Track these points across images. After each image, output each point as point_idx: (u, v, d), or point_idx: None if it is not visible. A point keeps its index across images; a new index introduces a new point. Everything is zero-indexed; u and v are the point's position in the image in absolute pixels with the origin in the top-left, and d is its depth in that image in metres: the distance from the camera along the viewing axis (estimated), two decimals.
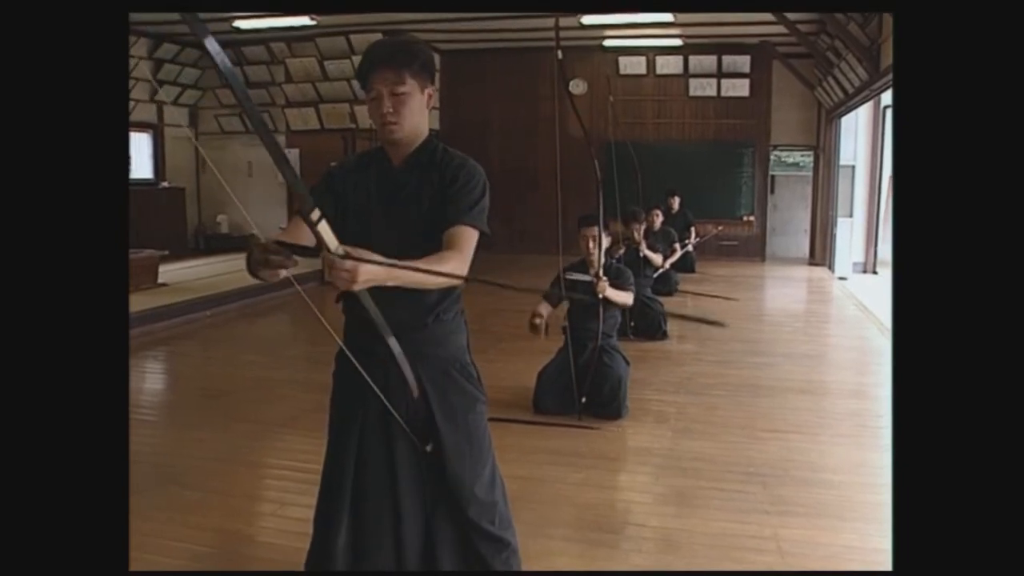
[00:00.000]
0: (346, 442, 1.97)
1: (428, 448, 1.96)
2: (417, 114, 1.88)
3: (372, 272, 1.48)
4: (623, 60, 11.72)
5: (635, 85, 11.84)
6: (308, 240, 1.61)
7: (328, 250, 1.44)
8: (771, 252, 11.94)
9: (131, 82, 10.52)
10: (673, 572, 2.59)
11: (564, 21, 8.71)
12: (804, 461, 3.55)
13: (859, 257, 11.04)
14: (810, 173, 11.67)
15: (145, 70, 10.75)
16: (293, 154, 11.59)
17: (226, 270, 8.99)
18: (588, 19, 9.47)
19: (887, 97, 9.48)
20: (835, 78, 9.04)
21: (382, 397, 1.88)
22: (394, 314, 1.80)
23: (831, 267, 10.61)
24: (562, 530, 2.88)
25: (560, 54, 4.24)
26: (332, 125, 11.20)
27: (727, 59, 11.42)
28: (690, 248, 9.51)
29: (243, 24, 9.86)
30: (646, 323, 6.19)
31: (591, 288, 4.13)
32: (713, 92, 11.60)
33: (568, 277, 4.29)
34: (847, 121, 10.46)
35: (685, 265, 9.30)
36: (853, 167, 10.71)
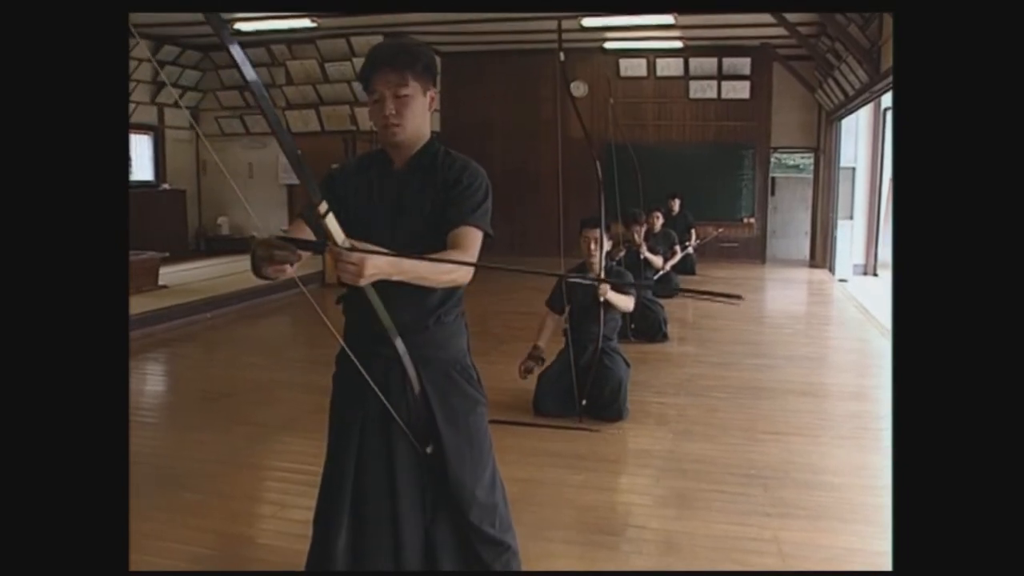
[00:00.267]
0: (346, 444, 1.97)
1: (428, 450, 1.96)
2: (419, 116, 1.88)
3: (378, 265, 1.48)
4: (623, 62, 11.72)
5: (635, 87, 11.83)
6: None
7: (335, 243, 1.44)
8: (771, 254, 11.93)
9: (132, 84, 10.52)
10: (673, 572, 2.59)
11: (565, 23, 8.72)
12: (805, 463, 3.55)
13: (859, 259, 11.04)
14: (811, 175, 11.66)
15: (146, 72, 10.77)
16: None
17: (227, 272, 9.00)
18: (589, 21, 9.47)
19: (887, 99, 9.47)
20: (835, 80, 9.04)
21: (382, 398, 1.88)
22: (395, 316, 1.80)
23: (831, 269, 10.61)
24: (562, 532, 2.88)
25: (562, 56, 4.25)
26: (333, 127, 11.20)
27: (727, 61, 11.41)
28: (690, 250, 9.50)
29: (244, 26, 9.86)
30: (646, 325, 6.19)
31: (592, 291, 4.14)
32: (713, 94, 11.60)
33: (570, 280, 4.28)
34: (847, 123, 10.46)
35: (685, 267, 9.30)
36: (853, 169, 10.71)
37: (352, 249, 1.45)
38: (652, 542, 2.82)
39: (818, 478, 3.38)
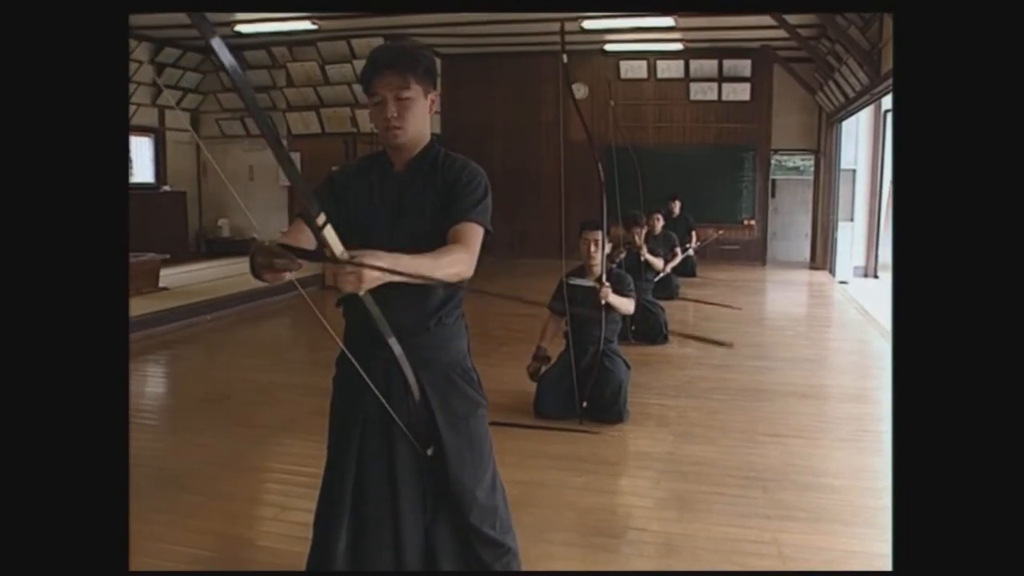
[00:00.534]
0: (346, 446, 1.97)
1: (429, 452, 1.96)
2: (420, 119, 1.89)
3: (376, 273, 1.48)
4: (624, 64, 11.74)
5: (636, 89, 11.85)
6: (310, 243, 1.61)
7: (333, 254, 1.44)
8: (772, 256, 11.93)
9: (133, 86, 10.54)
10: (674, 573, 2.59)
11: (566, 25, 8.73)
12: (805, 465, 3.55)
13: (860, 261, 11.04)
14: (811, 177, 11.67)
15: (147, 74, 10.78)
16: (294, 158, 11.61)
17: (227, 274, 9.00)
18: (589, 23, 9.49)
19: (888, 101, 9.48)
20: (836, 82, 9.04)
21: (383, 400, 1.88)
22: (396, 318, 1.80)
23: (832, 271, 10.61)
24: (563, 534, 2.88)
25: (565, 58, 4.25)
26: (333, 129, 11.22)
27: (728, 63, 11.42)
28: (691, 252, 9.50)
29: (244, 28, 9.88)
30: (647, 327, 6.19)
31: (593, 294, 4.14)
32: (714, 96, 11.61)
33: (570, 283, 4.28)
34: (848, 125, 10.46)
35: (686, 269, 9.30)
36: (854, 171, 10.71)
37: (350, 261, 1.44)
38: (652, 544, 2.82)
39: (818, 480, 3.37)
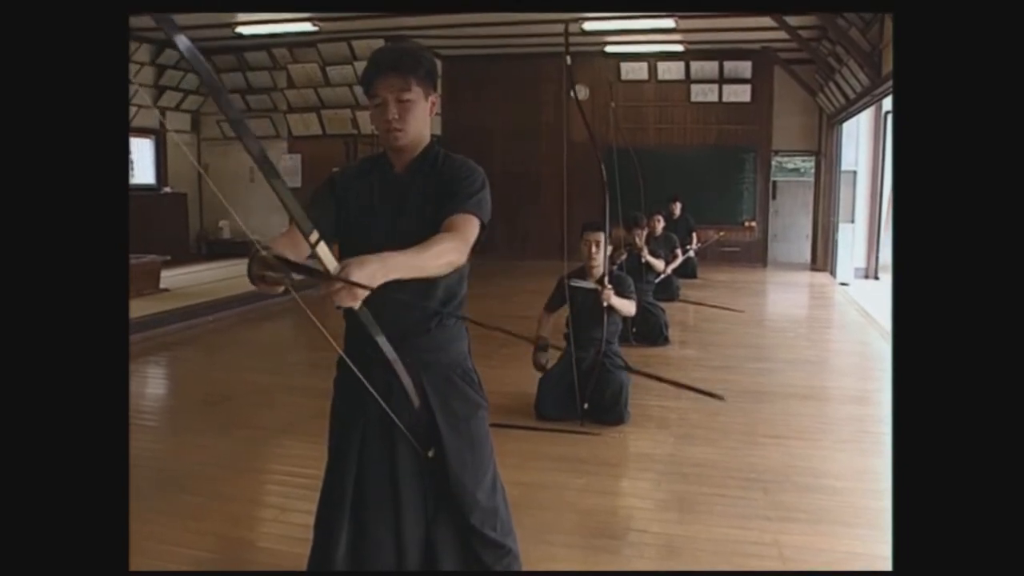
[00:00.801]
0: (347, 448, 1.97)
1: (430, 454, 1.96)
2: (421, 121, 1.89)
3: (372, 275, 1.46)
4: (625, 66, 11.75)
5: (637, 91, 11.85)
6: (306, 247, 1.61)
7: (327, 271, 1.43)
8: (773, 257, 11.93)
9: (133, 88, 10.54)
10: (675, 573, 2.59)
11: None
12: (806, 467, 3.54)
13: (861, 262, 11.04)
14: (812, 179, 11.67)
15: (148, 76, 10.79)
16: (295, 159, 11.62)
17: (228, 275, 9.01)
18: (590, 25, 9.50)
19: (889, 103, 9.48)
20: (836, 84, 9.05)
21: (383, 404, 1.87)
22: (398, 319, 1.80)
23: (833, 272, 10.61)
24: (564, 536, 2.88)
25: (569, 59, 4.25)
26: (334, 131, 11.23)
27: (728, 65, 11.43)
28: (692, 254, 9.51)
29: (245, 30, 9.89)
30: (648, 329, 6.19)
31: (595, 296, 4.13)
32: (715, 98, 11.62)
33: (571, 285, 4.27)
34: (849, 127, 10.47)
35: (687, 271, 9.30)
36: (855, 172, 10.72)
37: (342, 279, 1.43)
38: (653, 546, 2.81)
39: (819, 482, 3.37)
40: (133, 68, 10.35)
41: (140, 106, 10.81)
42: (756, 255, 11.81)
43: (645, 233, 7.05)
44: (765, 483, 3.35)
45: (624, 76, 11.79)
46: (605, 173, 4.31)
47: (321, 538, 1.99)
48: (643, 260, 6.78)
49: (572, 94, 4.57)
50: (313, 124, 11.46)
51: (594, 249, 4.26)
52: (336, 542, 1.94)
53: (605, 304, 4.12)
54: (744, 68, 11.42)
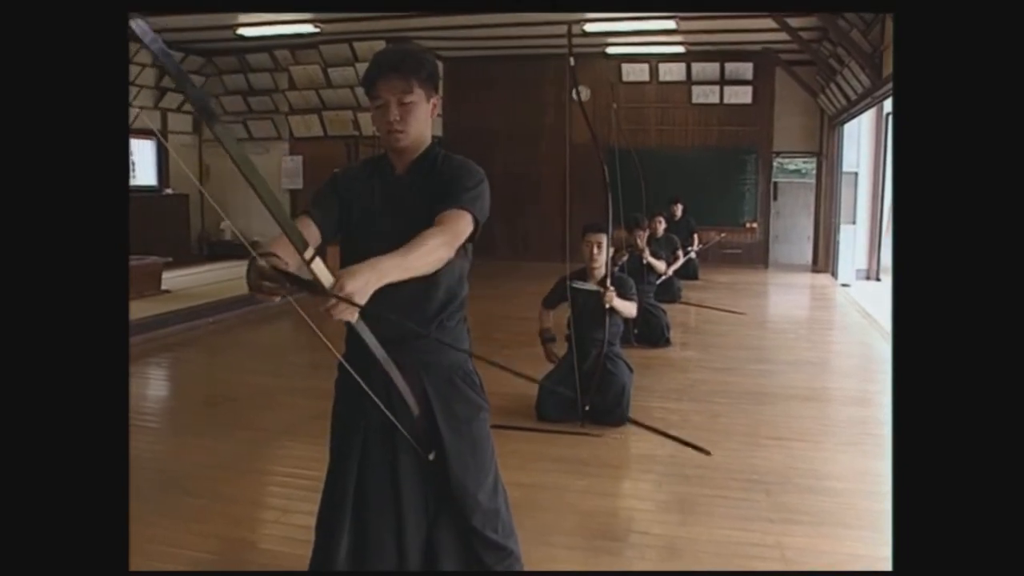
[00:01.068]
0: (348, 449, 1.97)
1: (431, 456, 1.96)
2: (422, 122, 1.89)
3: (366, 284, 1.46)
4: (626, 67, 11.75)
5: (638, 92, 11.86)
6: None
7: (322, 286, 1.44)
8: (774, 259, 11.93)
9: (135, 89, 10.56)
10: (676, 573, 2.59)
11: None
12: (807, 469, 3.54)
13: (862, 264, 11.01)
14: (813, 180, 11.67)
15: (149, 77, 10.80)
16: (297, 161, 11.62)
17: (229, 277, 9.01)
18: (591, 26, 9.51)
19: (890, 104, 9.47)
20: (837, 85, 9.05)
21: (382, 407, 1.87)
22: (397, 321, 1.80)
23: (834, 274, 10.59)
24: (565, 538, 2.88)
25: (572, 60, 4.25)
26: (335, 132, 11.24)
27: (730, 66, 11.43)
28: (693, 255, 9.50)
29: (247, 32, 9.90)
30: (649, 330, 6.19)
31: (597, 298, 4.13)
32: (716, 99, 11.62)
33: (573, 286, 4.27)
34: (850, 128, 10.46)
35: (688, 272, 9.30)
36: (856, 174, 10.70)
37: (336, 295, 1.43)
38: (655, 547, 2.81)
39: (821, 484, 3.37)
40: (134, 70, 10.36)
41: (141, 108, 10.83)
42: (757, 256, 11.81)
43: (646, 234, 7.05)
44: (767, 485, 3.34)
45: (625, 77, 11.79)
46: (608, 174, 4.31)
47: (322, 539, 1.99)
48: (644, 261, 6.77)
49: (575, 95, 4.58)
50: (315, 125, 11.47)
51: (596, 250, 4.26)
52: (337, 543, 1.94)
53: (607, 306, 4.12)
54: (745, 69, 11.42)
